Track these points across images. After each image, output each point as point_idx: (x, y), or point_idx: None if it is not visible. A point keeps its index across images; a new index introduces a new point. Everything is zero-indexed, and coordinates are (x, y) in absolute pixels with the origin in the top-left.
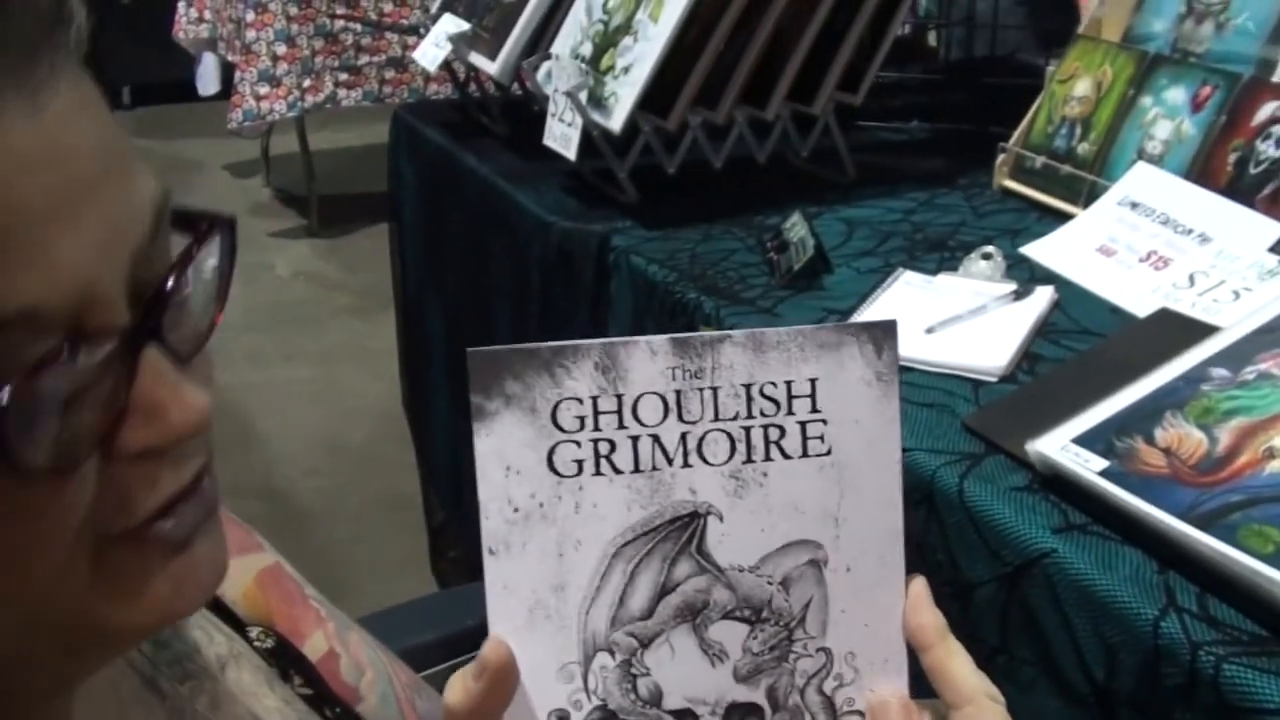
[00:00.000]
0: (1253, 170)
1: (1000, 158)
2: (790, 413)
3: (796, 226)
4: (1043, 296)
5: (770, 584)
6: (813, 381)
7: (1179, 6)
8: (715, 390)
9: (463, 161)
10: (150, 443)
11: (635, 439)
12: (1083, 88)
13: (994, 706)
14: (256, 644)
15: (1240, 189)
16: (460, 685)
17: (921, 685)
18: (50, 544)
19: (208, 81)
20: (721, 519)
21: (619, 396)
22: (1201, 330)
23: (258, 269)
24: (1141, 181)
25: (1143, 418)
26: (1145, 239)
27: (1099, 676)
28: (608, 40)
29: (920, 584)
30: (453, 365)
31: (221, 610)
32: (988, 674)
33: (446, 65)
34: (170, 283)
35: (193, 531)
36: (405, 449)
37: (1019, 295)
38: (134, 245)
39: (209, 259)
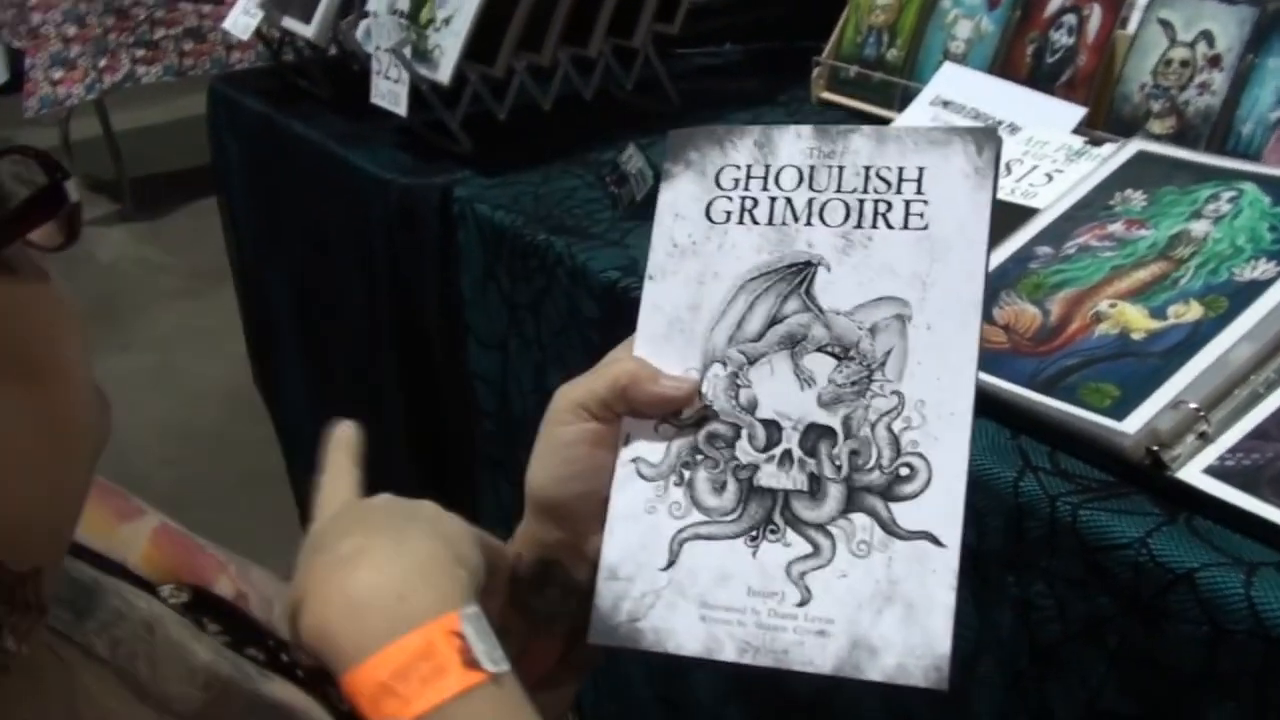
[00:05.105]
0: (1049, 59)
1: (815, 71)
2: (898, 192)
3: (633, 158)
4: None
5: (860, 329)
6: (921, 169)
7: None
8: (841, 169)
9: (289, 128)
10: None
11: (774, 199)
12: None
13: None
14: (171, 601)
15: (1040, 78)
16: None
17: None
18: None
19: None
20: (829, 270)
21: (767, 166)
22: (1023, 214)
23: (77, 260)
24: (950, 80)
25: None
26: None
27: (971, 541)
28: None
29: None
30: (304, 336)
31: (129, 577)
32: None
33: (257, 31)
34: None
35: None
36: (257, 427)
37: None
38: None
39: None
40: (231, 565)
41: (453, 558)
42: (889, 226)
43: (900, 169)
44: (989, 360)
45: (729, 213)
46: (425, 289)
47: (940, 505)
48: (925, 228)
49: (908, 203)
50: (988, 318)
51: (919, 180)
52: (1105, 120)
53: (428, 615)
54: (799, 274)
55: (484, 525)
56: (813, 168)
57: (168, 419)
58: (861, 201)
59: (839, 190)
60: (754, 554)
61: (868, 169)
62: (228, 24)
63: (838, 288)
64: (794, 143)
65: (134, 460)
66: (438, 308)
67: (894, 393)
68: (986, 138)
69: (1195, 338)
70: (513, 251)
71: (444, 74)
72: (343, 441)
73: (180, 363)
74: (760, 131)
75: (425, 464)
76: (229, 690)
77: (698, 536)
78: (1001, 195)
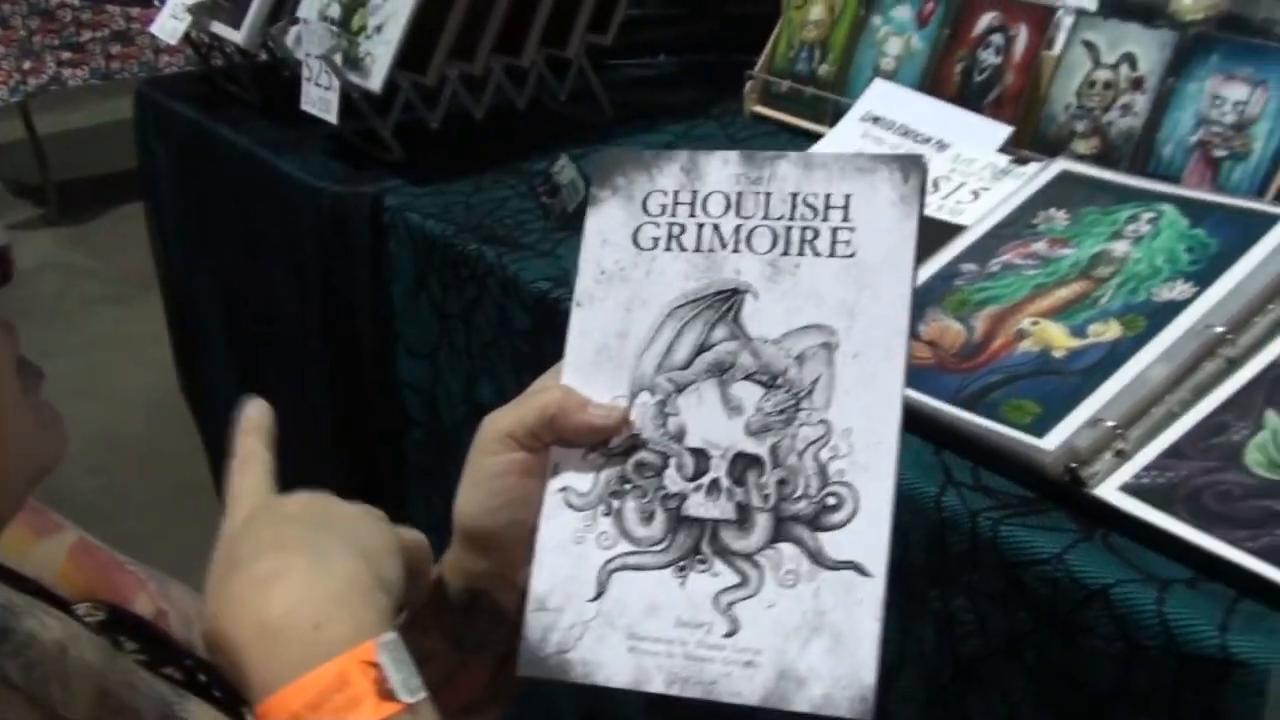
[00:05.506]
0: (977, 78)
1: (748, 85)
2: (825, 219)
3: (565, 169)
4: None
5: (788, 357)
6: (847, 196)
7: None
8: (769, 195)
9: (218, 134)
10: None
11: (701, 226)
12: (817, 12)
13: None
14: (87, 619)
15: (969, 96)
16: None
17: None
18: None
19: None
20: (757, 297)
21: (694, 192)
22: (949, 231)
23: None
24: (880, 97)
25: None
26: (889, 151)
27: (895, 555)
28: (356, 1)
29: None
30: (233, 344)
31: (45, 595)
32: None
33: (186, 36)
34: None
35: None
36: (185, 436)
37: None
38: None
39: None
40: (151, 582)
41: (373, 580)
42: (816, 254)
43: (827, 196)
44: (914, 376)
45: (656, 239)
46: (356, 297)
47: (866, 535)
48: (852, 255)
49: (835, 230)
50: (914, 334)
51: (845, 207)
52: (1031, 139)
53: (344, 644)
54: (726, 301)
55: None
56: (740, 194)
57: (94, 427)
58: (789, 228)
59: (766, 217)
60: (682, 584)
61: (795, 195)
62: (155, 28)
63: (765, 315)
64: (721, 169)
65: (59, 469)
66: (368, 316)
67: (821, 421)
68: (913, 165)
69: (1114, 356)
70: (444, 261)
71: (375, 82)
72: (255, 425)
73: (106, 370)
74: (687, 157)
75: (355, 472)
76: (142, 713)
77: (626, 567)
78: (929, 212)
